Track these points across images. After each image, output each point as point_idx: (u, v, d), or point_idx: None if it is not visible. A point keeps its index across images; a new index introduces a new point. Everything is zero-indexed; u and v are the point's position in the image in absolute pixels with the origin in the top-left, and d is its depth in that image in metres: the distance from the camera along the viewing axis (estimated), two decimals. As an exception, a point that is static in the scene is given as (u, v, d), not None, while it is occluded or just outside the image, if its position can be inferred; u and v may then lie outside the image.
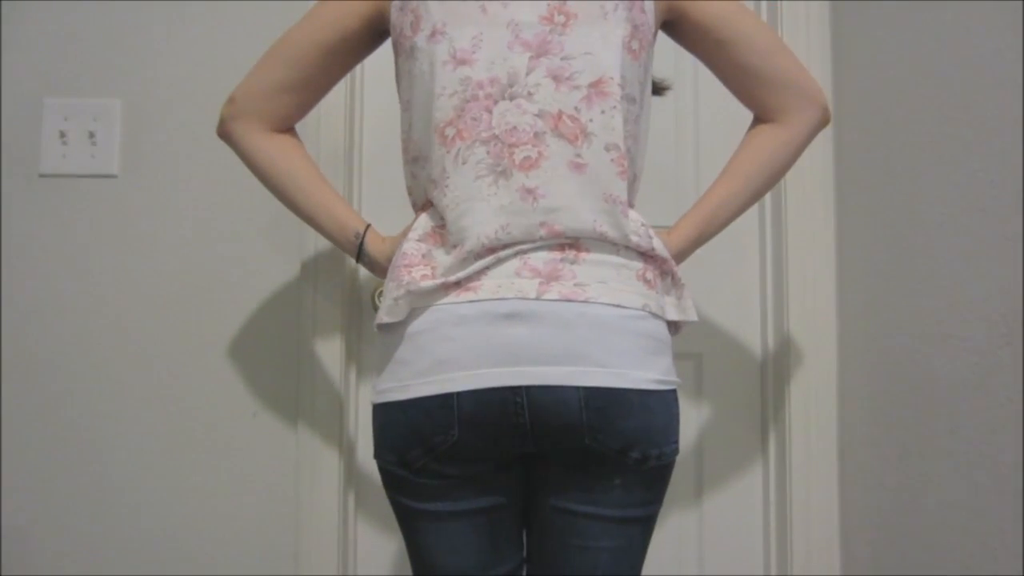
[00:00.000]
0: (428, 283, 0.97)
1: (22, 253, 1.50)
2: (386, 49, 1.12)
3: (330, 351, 1.49)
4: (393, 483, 1.03)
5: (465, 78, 1.00)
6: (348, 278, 1.51)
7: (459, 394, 0.94)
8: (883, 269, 1.35)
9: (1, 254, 1.50)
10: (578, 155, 0.99)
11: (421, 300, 0.98)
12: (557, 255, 0.98)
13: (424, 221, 1.04)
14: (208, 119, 1.42)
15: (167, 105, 1.52)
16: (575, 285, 0.96)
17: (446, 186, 1.00)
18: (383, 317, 1.00)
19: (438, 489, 1.00)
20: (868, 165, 1.41)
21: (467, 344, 0.95)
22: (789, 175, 1.32)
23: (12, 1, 1.52)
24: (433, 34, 1.01)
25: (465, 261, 0.97)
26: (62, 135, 1.50)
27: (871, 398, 1.39)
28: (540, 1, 1.01)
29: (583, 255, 0.98)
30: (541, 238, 0.98)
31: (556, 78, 0.99)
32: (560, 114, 0.99)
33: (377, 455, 1.03)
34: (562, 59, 0.99)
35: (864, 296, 1.42)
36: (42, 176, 1.51)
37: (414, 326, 0.98)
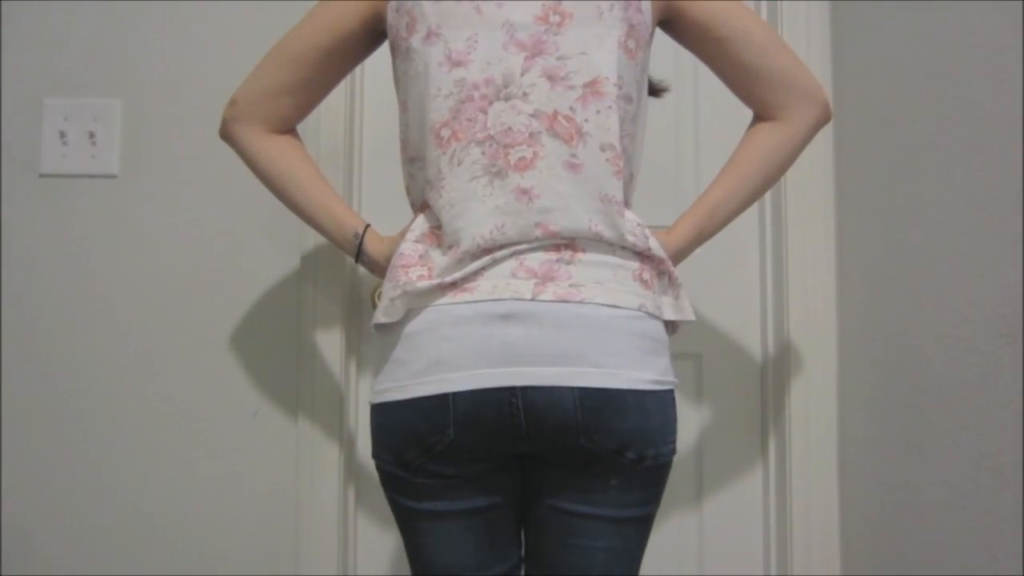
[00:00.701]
0: (425, 284, 0.97)
1: (22, 253, 1.50)
2: (386, 49, 1.12)
3: (330, 348, 1.49)
4: (391, 483, 1.03)
5: (460, 79, 0.99)
6: (348, 275, 1.51)
7: (455, 394, 0.94)
8: (883, 269, 1.35)
9: (1, 254, 1.50)
10: (573, 155, 0.99)
11: (418, 301, 0.98)
12: (553, 256, 0.98)
13: (421, 222, 1.04)
14: (208, 119, 1.43)
15: (167, 105, 1.52)
16: (570, 286, 0.96)
17: (442, 187, 1.00)
18: (380, 317, 1.00)
19: (435, 489, 1.00)
20: (868, 165, 1.40)
21: (463, 345, 0.95)
22: (789, 175, 1.31)
23: (12, 1, 1.52)
24: (428, 35, 1.01)
25: (461, 262, 0.97)
26: (62, 135, 1.50)
27: (871, 398, 1.39)
28: (535, 1, 1.00)
29: (579, 255, 0.98)
30: (537, 239, 0.98)
31: (551, 78, 0.99)
32: (555, 114, 0.99)
33: (375, 455, 1.03)
34: (557, 59, 0.99)
35: (864, 296, 1.42)
36: (42, 176, 1.51)
37: (411, 326, 0.98)
